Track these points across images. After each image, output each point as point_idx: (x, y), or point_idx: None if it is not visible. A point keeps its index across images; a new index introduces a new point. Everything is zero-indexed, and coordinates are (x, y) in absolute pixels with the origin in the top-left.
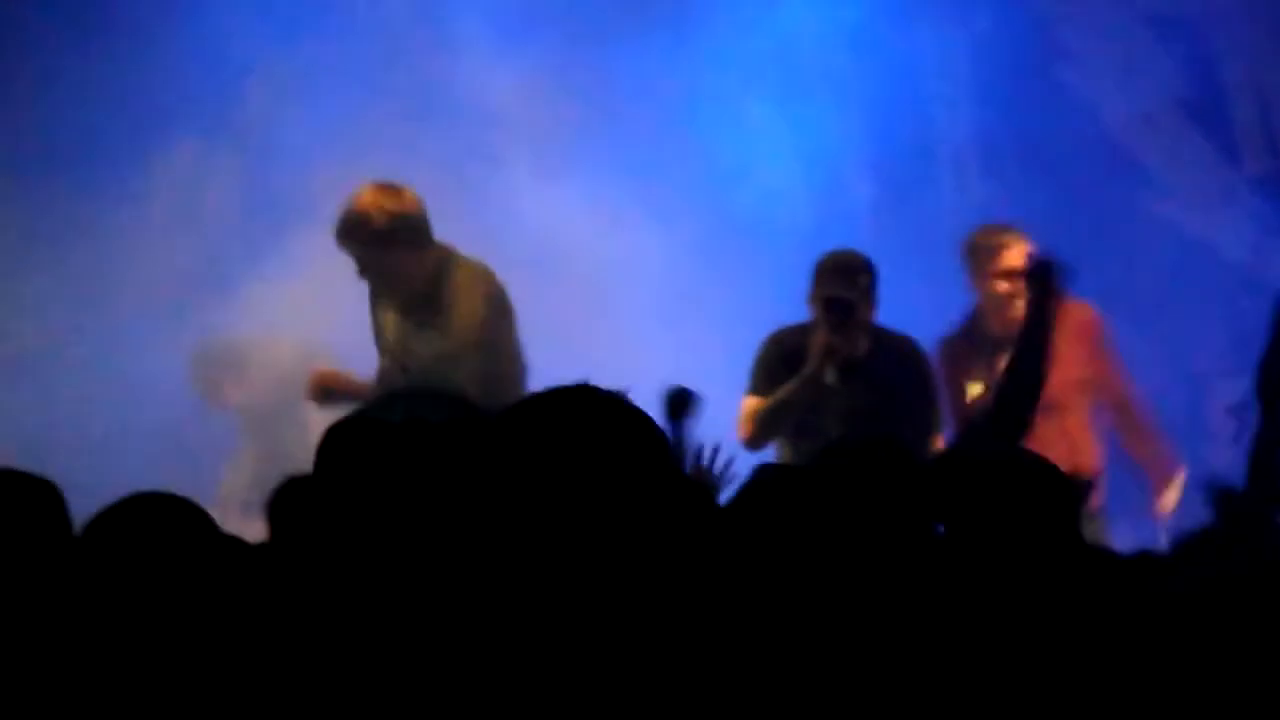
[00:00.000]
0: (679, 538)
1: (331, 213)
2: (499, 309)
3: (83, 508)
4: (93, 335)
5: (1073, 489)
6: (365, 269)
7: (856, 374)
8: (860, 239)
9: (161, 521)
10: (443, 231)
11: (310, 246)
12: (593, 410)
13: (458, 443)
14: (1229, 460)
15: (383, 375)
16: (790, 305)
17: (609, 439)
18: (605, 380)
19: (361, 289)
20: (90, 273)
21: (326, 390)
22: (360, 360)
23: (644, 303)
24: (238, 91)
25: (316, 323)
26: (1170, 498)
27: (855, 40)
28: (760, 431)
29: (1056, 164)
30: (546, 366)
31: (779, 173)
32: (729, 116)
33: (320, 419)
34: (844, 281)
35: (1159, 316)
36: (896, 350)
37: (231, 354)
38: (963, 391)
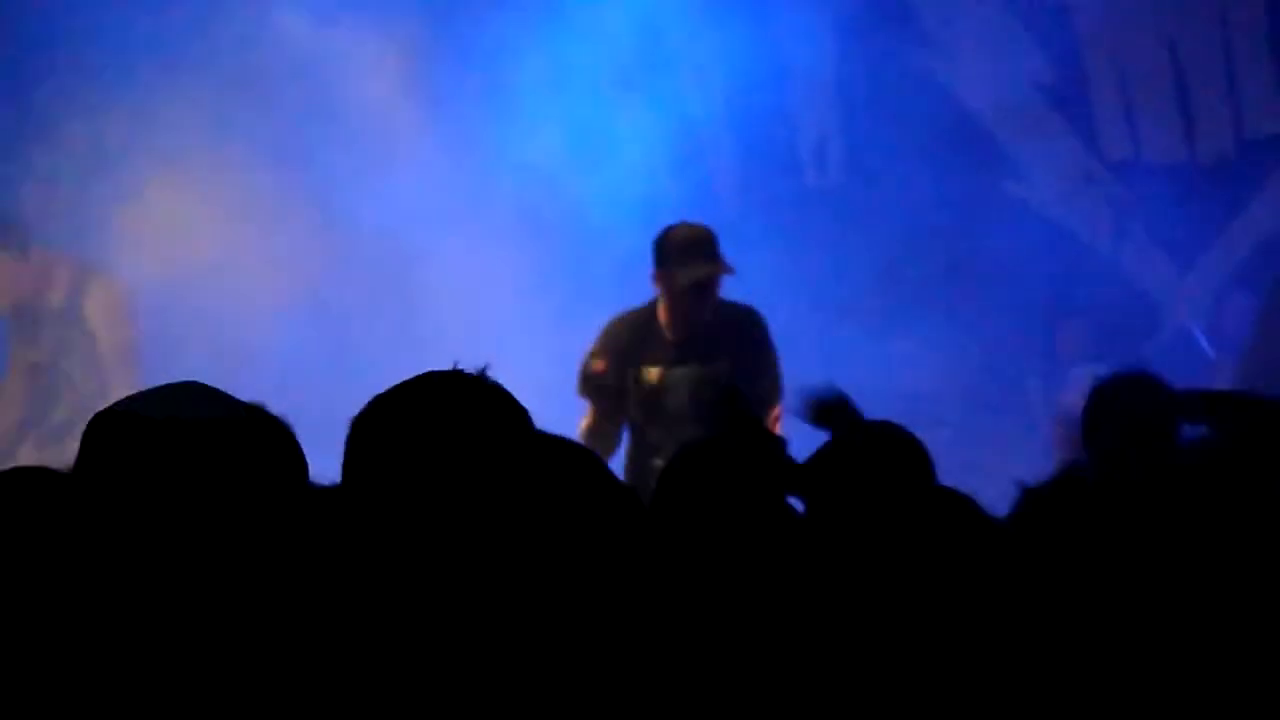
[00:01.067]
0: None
1: None
2: None
3: None
4: None
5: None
6: None
7: (701, 345)
8: (722, 216)
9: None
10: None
11: None
12: (458, 392)
13: (220, 440)
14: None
15: None
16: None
17: (478, 419)
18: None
19: None
20: None
21: None
22: None
23: (505, 282)
24: None
25: None
26: None
27: (719, 18)
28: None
29: (918, 147)
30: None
31: (642, 150)
32: (591, 93)
33: None
34: (706, 258)
35: (1019, 300)
36: (738, 321)
37: None
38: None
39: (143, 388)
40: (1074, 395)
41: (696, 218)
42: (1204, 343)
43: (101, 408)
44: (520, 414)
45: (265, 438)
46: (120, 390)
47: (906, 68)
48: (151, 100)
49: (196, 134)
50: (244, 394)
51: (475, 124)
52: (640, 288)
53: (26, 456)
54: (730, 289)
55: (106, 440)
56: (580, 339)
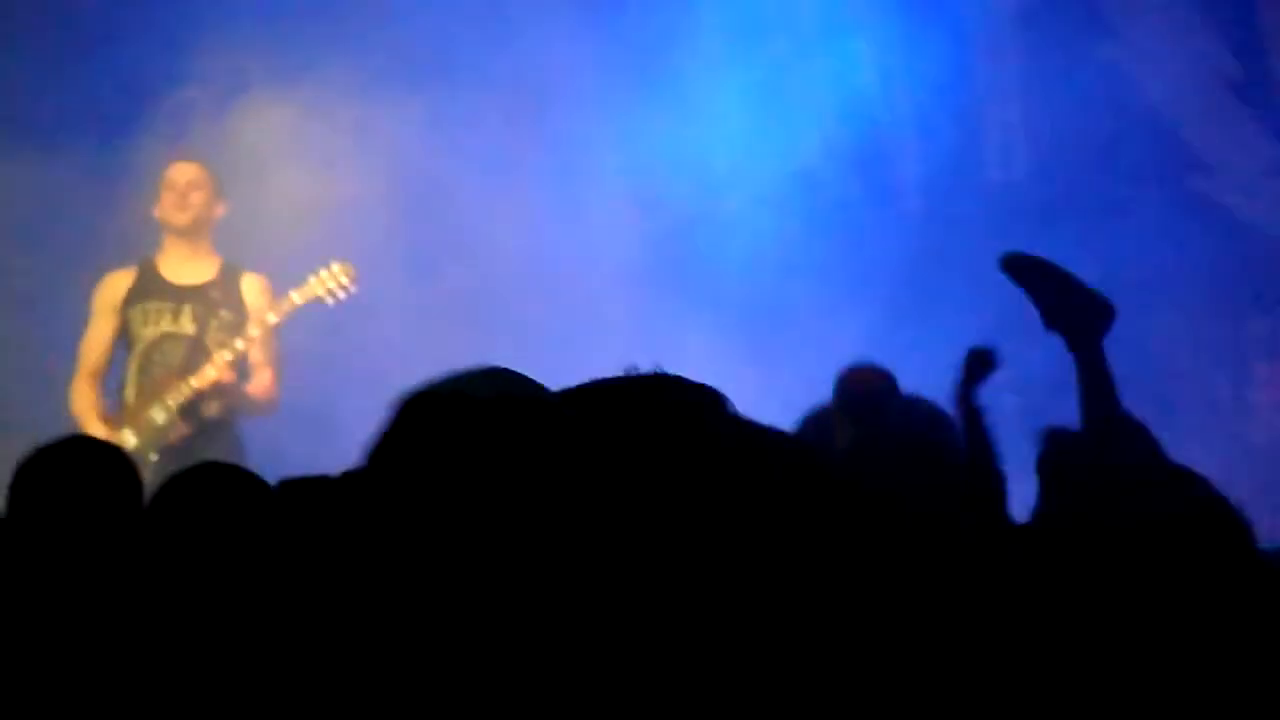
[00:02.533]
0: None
1: None
2: None
3: None
4: None
5: None
6: None
7: None
8: (906, 212)
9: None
10: None
11: None
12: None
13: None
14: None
15: None
16: None
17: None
18: None
19: None
20: None
21: None
22: None
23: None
24: None
25: None
26: None
27: (903, 13)
28: None
29: (1101, 141)
30: None
31: (824, 148)
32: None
33: None
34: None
35: (1205, 297)
36: None
37: None
38: None
39: None
40: (1261, 393)
41: (879, 216)
42: None
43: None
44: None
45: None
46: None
47: (1089, 60)
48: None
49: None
50: None
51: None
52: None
53: None
54: (913, 287)
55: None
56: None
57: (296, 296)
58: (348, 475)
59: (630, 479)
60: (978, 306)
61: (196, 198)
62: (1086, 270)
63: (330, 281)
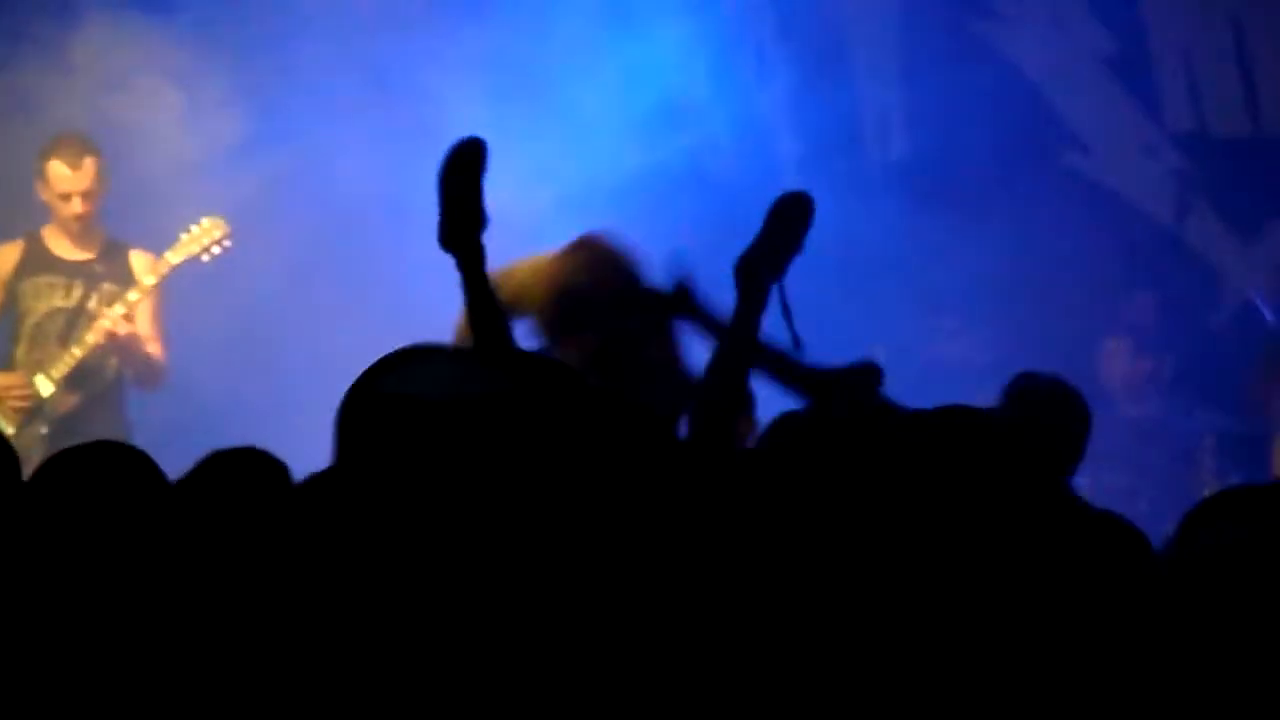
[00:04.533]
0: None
1: None
2: None
3: None
4: None
5: None
6: None
7: None
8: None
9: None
10: None
11: None
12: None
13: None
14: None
15: None
16: None
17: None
18: None
19: None
20: None
21: None
22: None
23: None
24: None
25: None
26: None
27: None
28: None
29: (980, 119)
30: None
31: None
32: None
33: None
34: None
35: (1081, 273)
36: None
37: None
38: None
39: None
40: (1122, 361)
41: (759, 194)
42: (1268, 314)
43: None
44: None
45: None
46: None
47: (968, 38)
48: None
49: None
50: None
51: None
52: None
53: None
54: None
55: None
56: None
57: (171, 256)
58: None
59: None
60: (860, 287)
61: (90, 206)
62: (969, 248)
63: (204, 238)
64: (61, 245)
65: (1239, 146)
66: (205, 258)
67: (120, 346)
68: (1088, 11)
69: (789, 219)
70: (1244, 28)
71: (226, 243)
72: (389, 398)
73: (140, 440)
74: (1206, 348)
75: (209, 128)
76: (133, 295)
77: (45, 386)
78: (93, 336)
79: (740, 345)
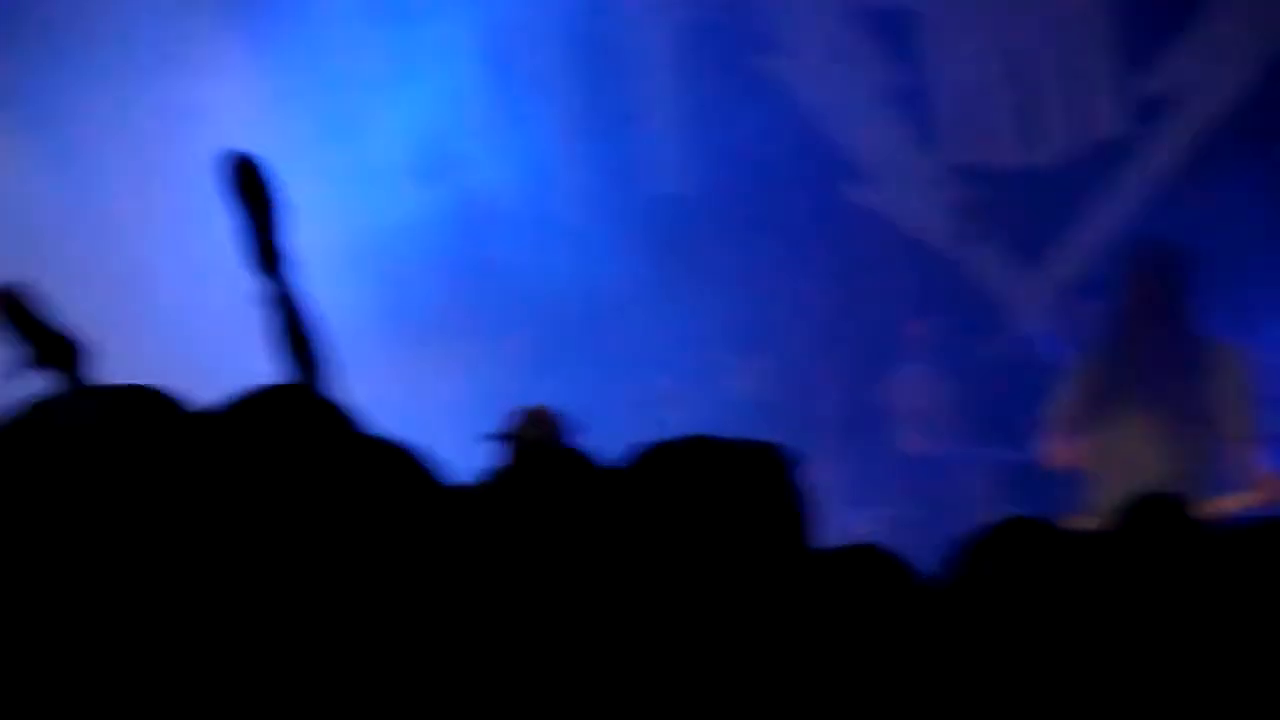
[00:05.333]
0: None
1: None
2: None
3: None
4: None
5: None
6: None
7: None
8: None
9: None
10: None
11: None
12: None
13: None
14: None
15: None
16: None
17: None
18: None
19: None
20: None
21: None
22: None
23: None
24: None
25: None
26: None
27: (560, 25)
28: None
29: (762, 151)
30: None
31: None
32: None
33: None
34: None
35: (867, 303)
36: None
37: None
38: None
39: None
40: (905, 391)
41: (541, 228)
42: (1049, 345)
43: None
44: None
45: None
46: None
47: (748, 71)
48: None
49: None
50: None
51: None
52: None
53: None
54: (582, 296)
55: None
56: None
57: None
58: None
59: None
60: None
61: None
62: (742, 275)
63: None
64: None
65: (1016, 177)
66: None
67: None
68: (867, 45)
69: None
70: (1020, 60)
71: None
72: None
73: None
74: (988, 377)
75: None
76: None
77: None
78: None
79: None
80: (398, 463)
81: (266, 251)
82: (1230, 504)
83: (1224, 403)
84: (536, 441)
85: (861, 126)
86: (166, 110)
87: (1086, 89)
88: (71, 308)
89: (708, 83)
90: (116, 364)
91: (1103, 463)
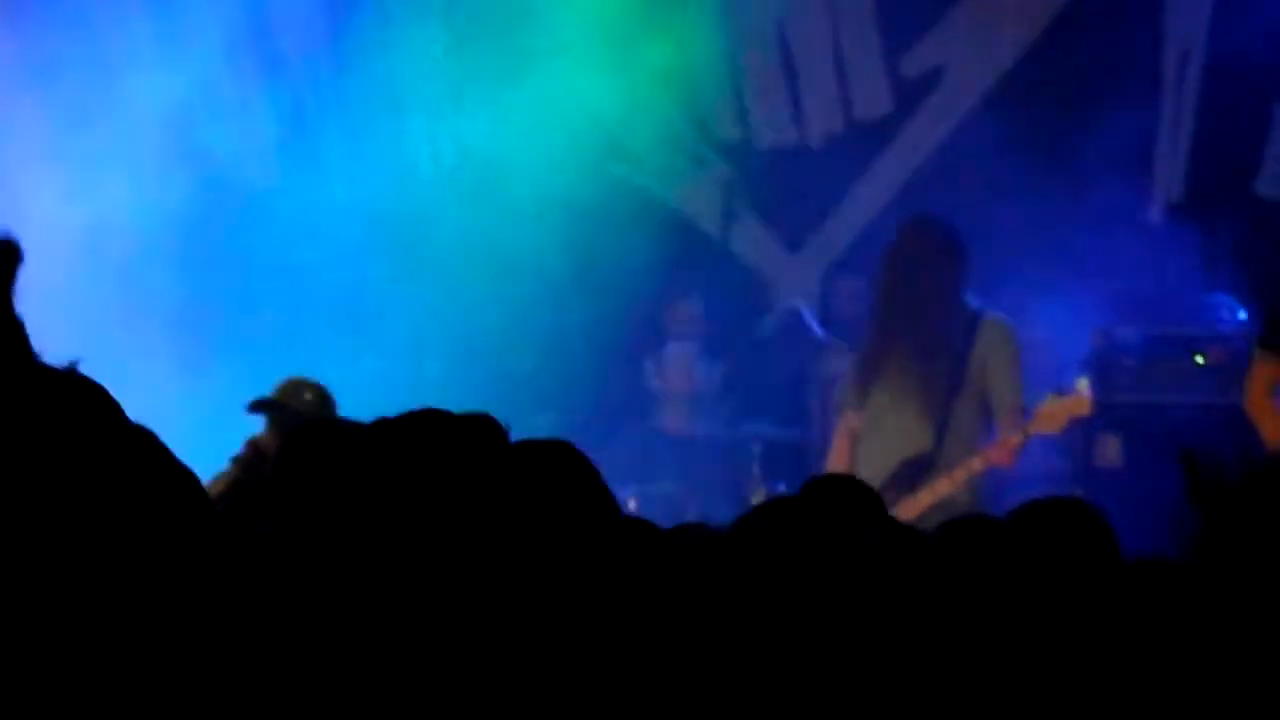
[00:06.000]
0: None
1: None
2: None
3: None
4: None
5: None
6: None
7: None
8: None
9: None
10: None
11: None
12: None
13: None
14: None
15: None
16: None
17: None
18: None
19: None
20: None
21: None
22: None
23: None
24: None
25: None
26: None
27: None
28: None
29: (528, 131)
30: None
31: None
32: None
33: None
34: None
35: (633, 282)
36: None
37: None
38: None
39: None
40: (670, 371)
41: (314, 229)
42: (813, 323)
43: None
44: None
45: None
46: None
47: (519, 47)
48: None
49: None
50: None
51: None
52: None
53: None
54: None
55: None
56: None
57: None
58: None
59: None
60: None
61: None
62: (515, 254)
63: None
64: None
65: (784, 157)
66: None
67: None
68: (636, 22)
69: None
70: (789, 42)
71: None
72: None
73: None
74: (754, 356)
75: None
76: None
77: None
78: None
79: None
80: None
81: None
82: (966, 469)
83: (991, 374)
84: (300, 411)
85: (628, 103)
86: None
87: (851, 68)
88: None
89: (474, 58)
90: None
91: (868, 437)
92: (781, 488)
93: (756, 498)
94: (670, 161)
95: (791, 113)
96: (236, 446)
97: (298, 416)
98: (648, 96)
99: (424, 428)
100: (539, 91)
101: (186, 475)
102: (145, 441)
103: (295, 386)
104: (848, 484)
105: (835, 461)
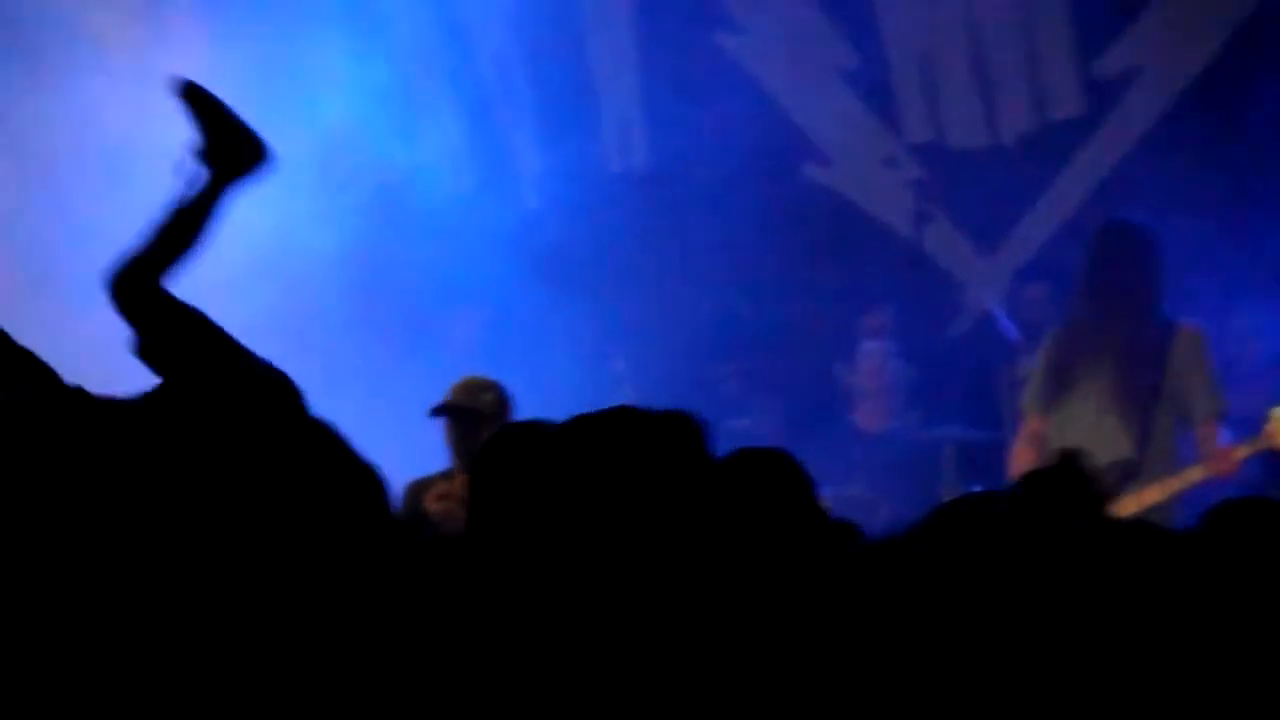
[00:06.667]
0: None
1: None
2: None
3: None
4: None
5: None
6: None
7: None
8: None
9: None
10: None
11: None
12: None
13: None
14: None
15: None
16: None
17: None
18: None
19: None
20: None
21: None
22: None
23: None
24: None
25: None
26: None
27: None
28: None
29: (720, 130)
30: None
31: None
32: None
33: None
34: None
35: (825, 285)
36: None
37: None
38: None
39: None
40: (863, 369)
41: (499, 209)
42: (1007, 326)
43: None
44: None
45: None
46: None
47: (708, 50)
48: None
49: None
50: None
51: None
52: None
53: None
54: (539, 276)
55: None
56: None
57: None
58: None
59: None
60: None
61: None
62: (707, 258)
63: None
64: None
65: (977, 157)
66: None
67: None
68: (826, 23)
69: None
70: (981, 39)
71: None
72: None
73: None
74: (946, 357)
75: None
76: None
77: None
78: None
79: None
80: None
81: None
82: (1184, 479)
83: (1189, 384)
84: (480, 412)
85: (819, 106)
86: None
87: (1044, 68)
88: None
89: (664, 62)
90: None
91: (1061, 442)
92: (975, 489)
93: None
94: (861, 163)
95: (983, 113)
96: (422, 452)
97: (478, 417)
98: (838, 97)
99: (621, 425)
100: (729, 93)
101: (367, 470)
102: (327, 435)
103: (475, 387)
104: (1067, 477)
105: (1018, 464)
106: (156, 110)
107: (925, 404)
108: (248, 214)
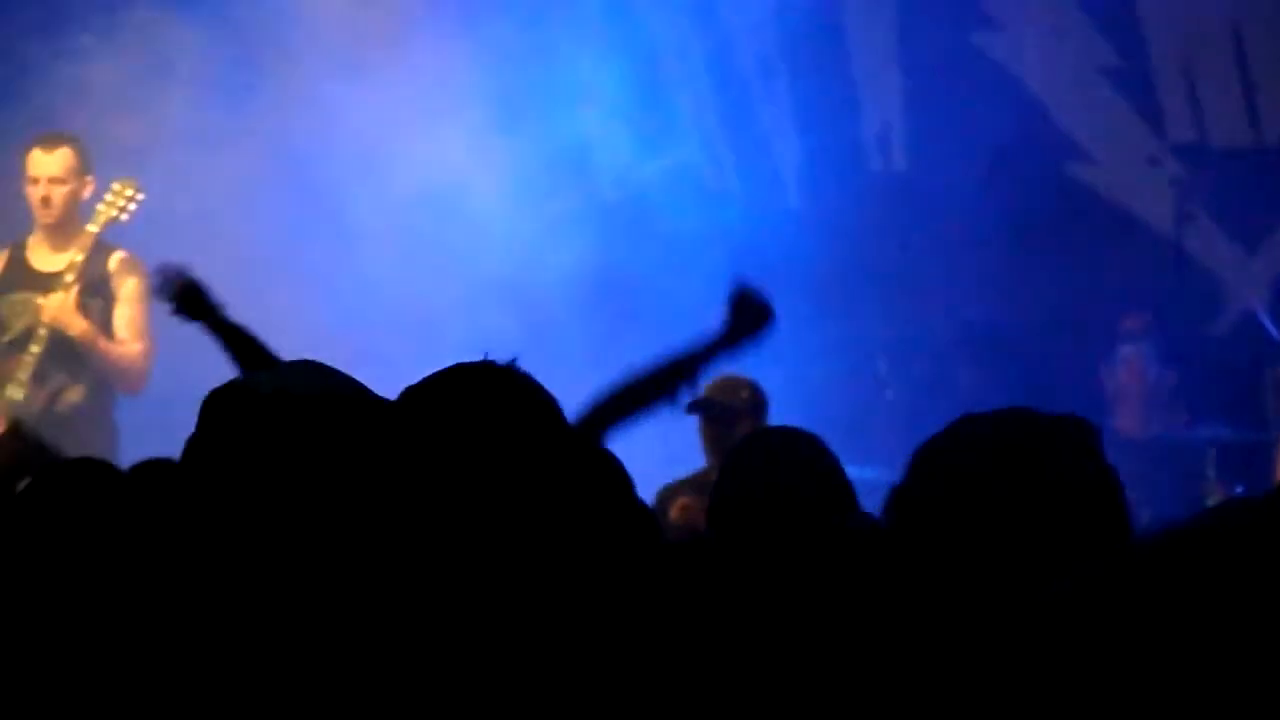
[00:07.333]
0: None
1: None
2: None
3: None
4: None
5: None
6: None
7: None
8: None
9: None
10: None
11: None
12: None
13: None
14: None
15: None
16: None
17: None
18: None
19: None
20: None
21: None
22: None
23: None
24: None
25: None
26: None
27: (781, 11)
28: None
29: (980, 131)
30: None
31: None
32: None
33: None
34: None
35: (1084, 284)
36: None
37: None
38: None
39: None
40: (1123, 371)
41: (762, 209)
42: (1270, 326)
43: None
44: (549, 410)
45: (367, 415)
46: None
47: (968, 50)
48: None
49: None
50: None
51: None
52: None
53: None
54: (792, 280)
55: (223, 414)
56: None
57: (92, 226)
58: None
59: (456, 476)
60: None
61: (59, 196)
62: (970, 256)
63: (119, 200)
64: (39, 254)
65: (1240, 156)
66: (124, 218)
67: (79, 341)
68: (1087, 22)
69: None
70: (1244, 37)
71: (140, 196)
72: (264, 395)
73: (127, 443)
74: (1208, 358)
75: None
76: (68, 278)
77: (16, 391)
78: (43, 330)
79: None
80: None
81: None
82: None
83: None
84: (735, 407)
85: (1080, 105)
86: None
87: None
88: None
89: (925, 61)
90: None
91: None
92: (1239, 492)
93: (1212, 502)
94: (1123, 162)
95: (1245, 113)
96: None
97: (732, 412)
98: (1099, 97)
99: (1016, 425)
100: (989, 92)
101: (618, 470)
102: (580, 442)
103: (731, 384)
104: None
105: None
106: (403, 117)
107: (1187, 405)
108: (499, 228)
